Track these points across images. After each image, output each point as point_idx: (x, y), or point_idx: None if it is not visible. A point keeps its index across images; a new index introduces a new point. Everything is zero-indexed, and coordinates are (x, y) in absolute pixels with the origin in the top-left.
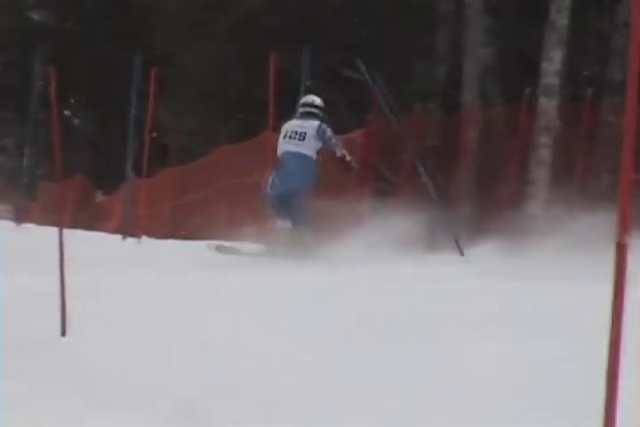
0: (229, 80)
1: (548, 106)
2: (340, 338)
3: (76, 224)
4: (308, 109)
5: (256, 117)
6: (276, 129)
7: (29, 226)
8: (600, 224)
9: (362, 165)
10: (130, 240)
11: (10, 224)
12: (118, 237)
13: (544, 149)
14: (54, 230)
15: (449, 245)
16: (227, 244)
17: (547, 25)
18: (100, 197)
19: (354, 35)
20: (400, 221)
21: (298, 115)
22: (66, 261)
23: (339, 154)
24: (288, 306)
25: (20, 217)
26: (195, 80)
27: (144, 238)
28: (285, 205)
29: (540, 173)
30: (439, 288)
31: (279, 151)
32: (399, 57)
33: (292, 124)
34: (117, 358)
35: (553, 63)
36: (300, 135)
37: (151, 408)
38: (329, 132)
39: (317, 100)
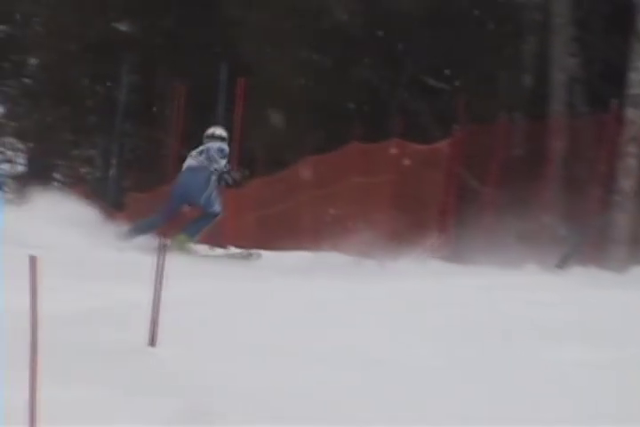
0: (315, 90)
1: (635, 116)
2: (430, 343)
3: (162, 234)
4: (209, 141)
5: (342, 127)
6: (362, 139)
7: None
8: None
9: (448, 175)
10: (217, 251)
11: None
12: (205, 246)
13: (631, 158)
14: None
15: (539, 255)
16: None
17: (633, 35)
18: (186, 207)
19: (440, 45)
20: (488, 231)
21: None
22: (155, 272)
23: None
24: (379, 315)
25: None
26: (281, 90)
27: (231, 249)
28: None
29: (627, 183)
30: (533, 298)
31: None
32: (485, 67)
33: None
34: (203, 367)
35: (639, 73)
36: (200, 152)
37: (226, 415)
38: (224, 149)
39: (217, 131)
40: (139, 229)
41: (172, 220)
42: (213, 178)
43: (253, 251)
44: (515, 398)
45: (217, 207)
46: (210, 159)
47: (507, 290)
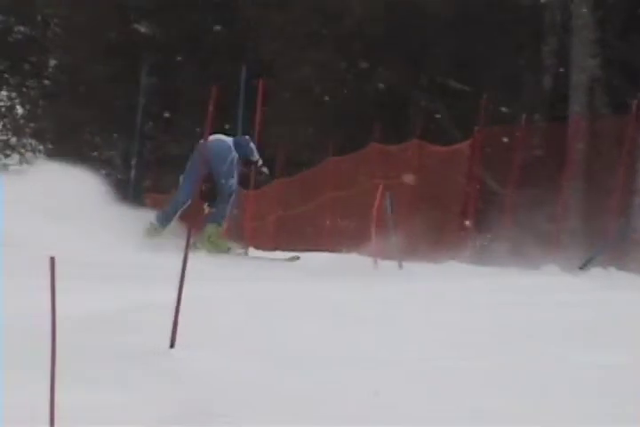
0: (336, 91)
1: None
2: (450, 345)
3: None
4: None
5: (362, 129)
6: (382, 141)
7: None
8: None
9: (468, 177)
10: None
11: None
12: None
13: None
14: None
15: (559, 256)
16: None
17: None
18: (206, 209)
19: (460, 46)
20: (508, 232)
21: None
22: (176, 273)
23: (255, 159)
24: (398, 316)
25: None
26: (301, 91)
27: (251, 250)
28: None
29: None
30: (553, 299)
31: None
32: (505, 68)
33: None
34: (222, 370)
35: None
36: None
37: (251, 419)
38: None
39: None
40: (166, 215)
41: (193, 195)
42: (234, 155)
43: (294, 255)
44: (536, 398)
45: (233, 183)
46: (240, 142)
47: (527, 291)
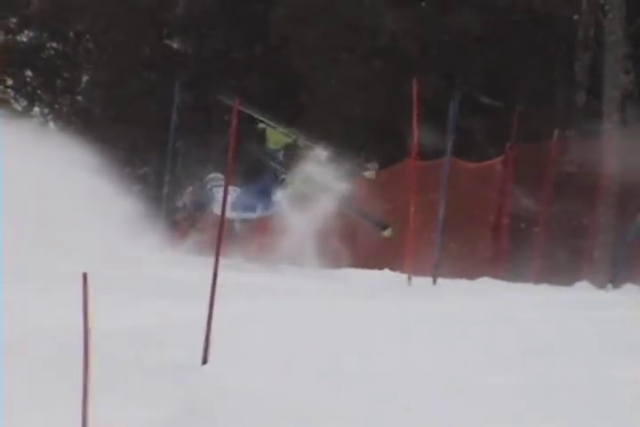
0: (369, 106)
1: None
2: (490, 364)
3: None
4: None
5: (396, 144)
6: (416, 156)
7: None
8: None
9: (501, 193)
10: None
11: None
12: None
13: None
14: (196, 259)
15: (592, 272)
16: None
17: None
18: (237, 226)
19: (493, 62)
20: (541, 249)
21: None
22: (205, 288)
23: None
24: (436, 333)
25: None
26: (334, 107)
27: (284, 266)
28: None
29: None
30: (587, 315)
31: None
32: (538, 84)
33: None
34: (252, 387)
35: None
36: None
37: None
38: None
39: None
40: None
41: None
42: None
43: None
44: (580, 414)
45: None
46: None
47: (560, 307)
